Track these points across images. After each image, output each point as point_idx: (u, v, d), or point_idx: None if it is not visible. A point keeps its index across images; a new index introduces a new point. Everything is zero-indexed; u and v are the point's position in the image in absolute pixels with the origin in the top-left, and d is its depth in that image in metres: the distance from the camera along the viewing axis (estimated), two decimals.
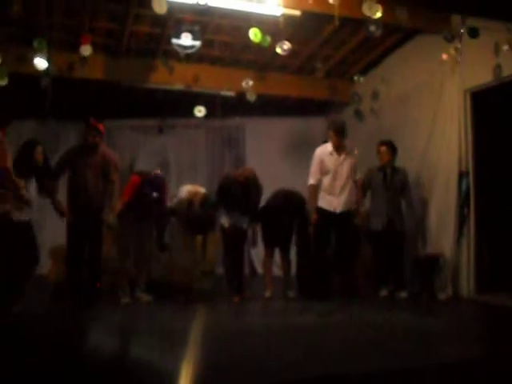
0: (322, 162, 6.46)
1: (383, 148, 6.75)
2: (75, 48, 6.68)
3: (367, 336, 4.38)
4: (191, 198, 6.25)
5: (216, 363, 3.48)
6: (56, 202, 5.77)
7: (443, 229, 6.60)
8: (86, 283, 5.76)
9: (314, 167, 6.50)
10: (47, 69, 6.56)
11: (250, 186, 6.37)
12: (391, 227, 6.60)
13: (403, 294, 6.51)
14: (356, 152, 6.61)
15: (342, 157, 6.47)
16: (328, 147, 6.54)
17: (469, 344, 4.18)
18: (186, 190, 6.39)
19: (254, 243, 6.63)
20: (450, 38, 6.33)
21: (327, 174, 6.45)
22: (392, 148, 6.76)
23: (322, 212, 6.44)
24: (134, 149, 8.93)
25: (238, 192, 6.32)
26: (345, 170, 6.46)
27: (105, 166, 5.91)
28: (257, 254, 9.21)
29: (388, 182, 6.69)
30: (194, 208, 6.20)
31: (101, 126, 5.91)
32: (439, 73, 6.79)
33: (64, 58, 7.03)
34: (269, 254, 6.69)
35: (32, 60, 6.44)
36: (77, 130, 8.94)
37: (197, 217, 6.21)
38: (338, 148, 6.46)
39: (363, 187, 6.77)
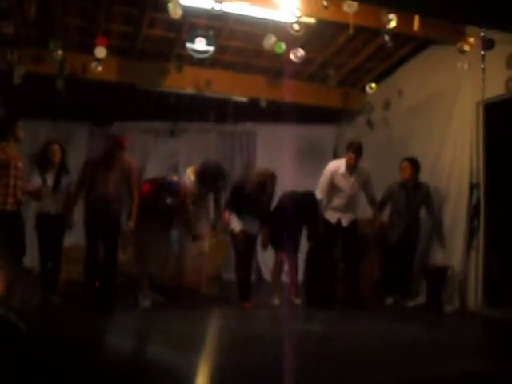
0: (332, 180, 6.50)
1: (405, 164, 6.68)
2: (90, 50, 6.72)
3: (372, 347, 4.36)
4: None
5: (221, 370, 3.47)
6: (68, 211, 5.87)
7: (452, 241, 6.57)
8: (103, 286, 5.78)
9: (324, 183, 6.53)
10: (62, 69, 6.62)
11: (267, 186, 6.37)
12: (405, 239, 6.62)
13: (409, 304, 6.54)
14: (366, 169, 6.62)
15: (353, 177, 6.51)
16: (341, 167, 6.53)
17: (473, 357, 4.16)
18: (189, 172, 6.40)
19: (265, 246, 6.59)
20: (464, 50, 6.31)
21: (336, 193, 6.52)
22: (414, 165, 6.67)
23: (327, 224, 6.54)
24: (145, 152, 8.96)
25: (251, 193, 6.30)
26: (354, 188, 6.55)
27: (125, 174, 5.89)
28: (264, 260, 9.21)
29: (410, 199, 6.67)
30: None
31: (125, 141, 5.94)
32: (452, 84, 6.77)
33: (78, 60, 7.07)
34: (279, 261, 6.66)
35: (48, 60, 6.53)
36: (89, 131, 9.02)
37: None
38: (351, 168, 6.48)
39: (382, 202, 6.83)
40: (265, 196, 6.37)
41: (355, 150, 6.44)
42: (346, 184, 6.49)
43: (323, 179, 6.54)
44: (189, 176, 6.36)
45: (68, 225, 5.93)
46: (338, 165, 6.59)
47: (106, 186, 5.79)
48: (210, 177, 6.23)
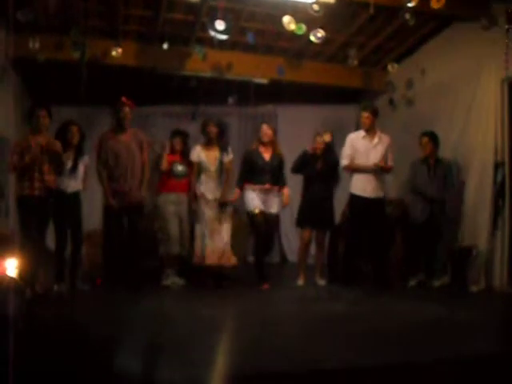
0: (353, 146, 6.50)
1: (425, 139, 6.70)
2: (110, 35, 6.74)
3: (395, 326, 4.36)
4: None
5: (242, 350, 3.50)
6: (105, 187, 5.98)
7: (477, 220, 6.50)
8: (129, 268, 5.88)
9: (346, 150, 6.54)
10: (83, 55, 6.67)
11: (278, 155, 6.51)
12: (434, 218, 6.58)
13: (435, 283, 6.51)
14: (388, 137, 6.57)
15: (375, 140, 6.48)
16: (361, 132, 6.59)
17: (498, 337, 4.14)
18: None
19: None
20: (488, 26, 6.19)
21: (360, 158, 6.46)
22: (434, 139, 6.70)
23: (355, 199, 6.49)
24: (167, 135, 8.99)
25: (264, 162, 6.38)
26: (378, 153, 6.45)
27: (138, 144, 6.05)
28: (288, 241, 9.24)
29: (432, 174, 6.63)
30: None
31: (131, 103, 6.12)
32: (476, 61, 6.65)
33: (99, 45, 7.11)
34: (306, 241, 6.65)
35: (68, 47, 6.59)
36: (111, 115, 9.08)
37: None
38: (370, 131, 6.48)
39: (411, 183, 6.81)
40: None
41: (370, 110, 6.52)
42: (367, 146, 6.45)
43: (345, 146, 6.56)
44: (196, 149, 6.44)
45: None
46: (358, 132, 6.68)
47: (119, 156, 5.94)
48: (213, 125, 6.39)
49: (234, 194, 6.40)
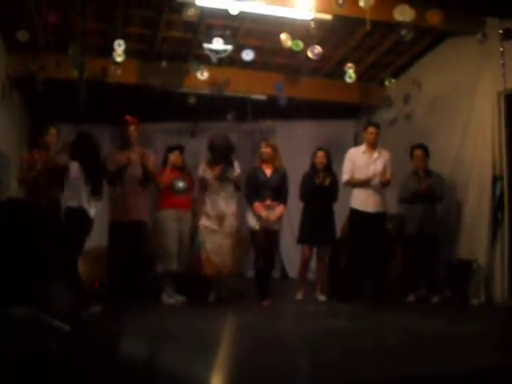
0: (353, 161, 6.55)
1: (418, 152, 6.73)
2: (109, 53, 6.79)
3: (396, 342, 4.35)
4: None
5: (244, 367, 3.49)
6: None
7: (477, 233, 6.50)
8: (135, 285, 5.86)
9: (346, 165, 6.57)
10: (81, 74, 6.71)
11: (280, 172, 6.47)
12: (425, 231, 6.56)
13: (435, 299, 6.47)
14: (388, 153, 6.61)
15: (375, 155, 6.53)
16: (361, 147, 6.67)
17: (500, 351, 4.12)
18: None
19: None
20: (483, 40, 6.24)
21: (360, 172, 6.48)
22: (426, 152, 6.74)
23: (355, 214, 6.50)
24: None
25: (265, 178, 6.35)
26: (378, 168, 6.48)
27: (144, 162, 6.04)
28: (289, 257, 9.22)
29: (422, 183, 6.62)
30: None
31: (135, 120, 6.22)
32: (472, 75, 6.70)
33: (98, 63, 7.15)
34: (306, 258, 6.70)
35: (68, 65, 6.64)
36: (110, 133, 9.11)
37: None
38: (371, 146, 6.54)
39: (401, 195, 6.82)
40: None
41: (376, 125, 6.67)
42: (367, 161, 6.49)
43: (345, 161, 6.60)
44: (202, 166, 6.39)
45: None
46: (358, 147, 6.80)
47: (126, 174, 5.95)
48: (220, 144, 6.32)
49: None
